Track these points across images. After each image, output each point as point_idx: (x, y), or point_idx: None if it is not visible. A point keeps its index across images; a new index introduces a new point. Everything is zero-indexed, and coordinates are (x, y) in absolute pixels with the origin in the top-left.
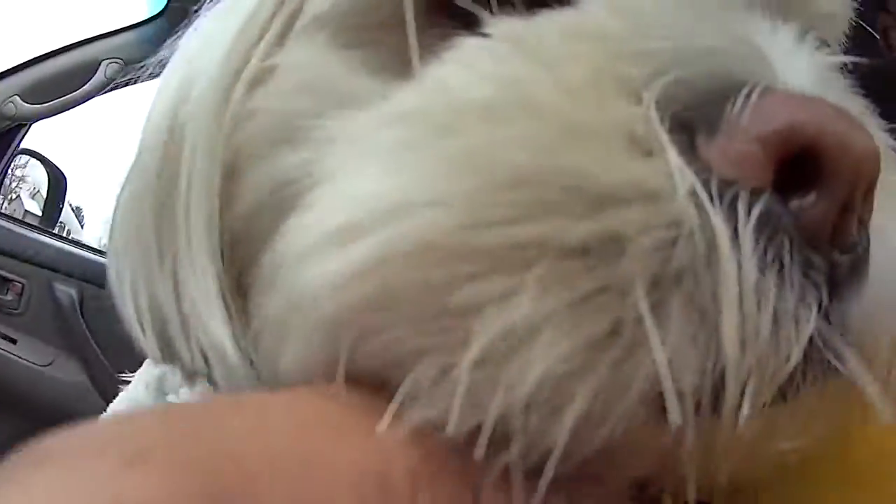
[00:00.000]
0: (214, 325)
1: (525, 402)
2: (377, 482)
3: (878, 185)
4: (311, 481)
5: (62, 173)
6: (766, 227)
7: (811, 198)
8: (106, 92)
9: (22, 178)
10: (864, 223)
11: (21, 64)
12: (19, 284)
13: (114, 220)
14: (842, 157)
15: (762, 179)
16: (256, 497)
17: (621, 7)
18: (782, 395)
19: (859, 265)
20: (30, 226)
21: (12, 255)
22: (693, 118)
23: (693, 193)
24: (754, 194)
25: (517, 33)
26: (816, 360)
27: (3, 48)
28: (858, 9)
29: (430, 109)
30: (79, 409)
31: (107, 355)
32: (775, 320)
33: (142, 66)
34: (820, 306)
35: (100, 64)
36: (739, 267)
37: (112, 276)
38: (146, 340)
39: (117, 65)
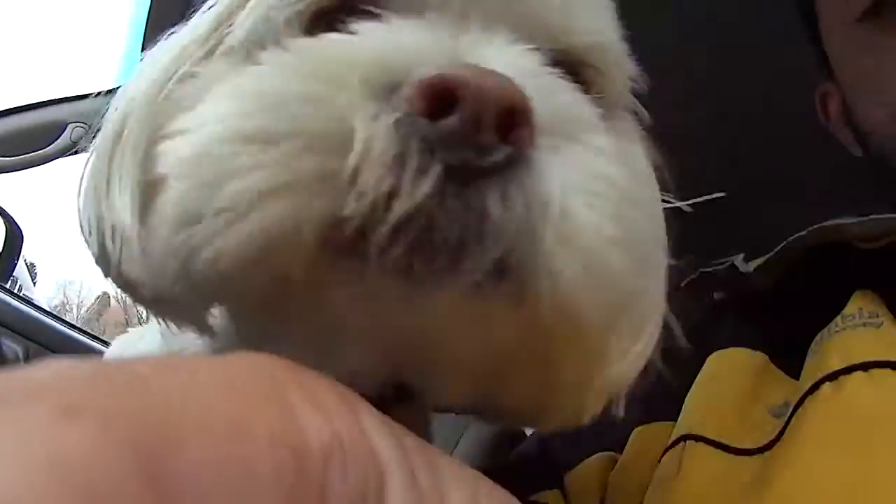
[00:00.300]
0: (124, 213)
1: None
2: (293, 454)
3: (572, 139)
4: (236, 444)
5: (20, 229)
6: (405, 125)
7: (451, 117)
8: (70, 155)
9: None
10: (510, 141)
11: None
12: None
13: (84, 170)
14: (470, 91)
15: (417, 110)
16: (183, 454)
17: (371, 33)
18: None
19: (503, 171)
20: None
21: None
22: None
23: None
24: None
25: (302, 45)
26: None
27: None
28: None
29: (248, 83)
30: None
31: None
32: (401, 165)
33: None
34: (459, 186)
35: (66, 126)
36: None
37: (78, 204)
38: (90, 243)
39: (83, 129)
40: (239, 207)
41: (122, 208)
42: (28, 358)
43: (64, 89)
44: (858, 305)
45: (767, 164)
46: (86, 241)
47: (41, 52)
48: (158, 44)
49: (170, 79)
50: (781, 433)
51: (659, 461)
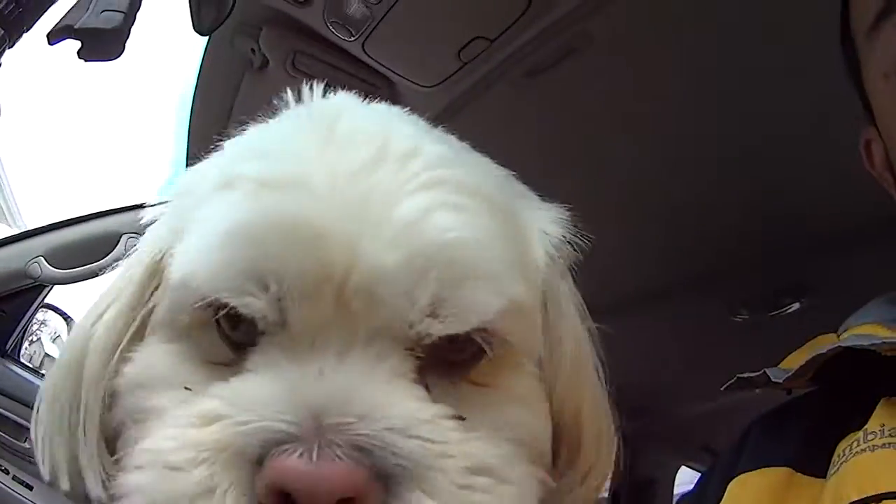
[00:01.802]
0: (91, 478)
1: None
2: None
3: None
4: None
5: None
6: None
7: None
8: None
9: (43, 322)
10: None
11: (47, 225)
12: None
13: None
14: (304, 496)
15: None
16: None
17: (241, 398)
18: None
19: None
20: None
21: (33, 406)
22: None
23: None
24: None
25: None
26: None
27: (33, 210)
28: None
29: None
30: None
31: None
32: None
33: None
34: None
35: (120, 237)
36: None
37: (37, 438)
38: (59, 473)
39: (136, 240)
40: None
41: (89, 466)
42: None
43: (115, 201)
44: (881, 421)
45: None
46: (49, 465)
47: (92, 166)
48: (99, 320)
49: (111, 356)
50: None
51: None
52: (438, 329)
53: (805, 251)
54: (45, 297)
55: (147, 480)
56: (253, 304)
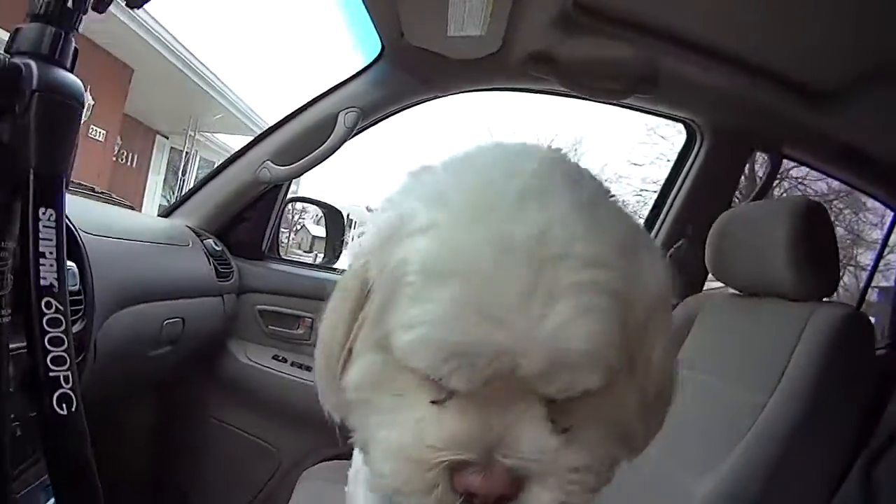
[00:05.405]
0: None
1: None
2: None
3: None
4: None
5: (336, 209)
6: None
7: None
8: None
9: (304, 210)
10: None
11: (267, 130)
12: (309, 319)
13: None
14: (481, 497)
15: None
16: None
17: (440, 422)
18: None
19: None
20: (310, 265)
21: (298, 295)
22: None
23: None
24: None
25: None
26: None
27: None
28: None
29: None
30: None
31: None
32: None
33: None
34: None
35: (337, 116)
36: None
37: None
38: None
39: (355, 113)
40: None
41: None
42: None
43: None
44: None
45: None
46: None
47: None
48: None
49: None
50: None
51: None
52: (563, 394)
53: None
54: (286, 194)
55: (390, 469)
56: (453, 381)
